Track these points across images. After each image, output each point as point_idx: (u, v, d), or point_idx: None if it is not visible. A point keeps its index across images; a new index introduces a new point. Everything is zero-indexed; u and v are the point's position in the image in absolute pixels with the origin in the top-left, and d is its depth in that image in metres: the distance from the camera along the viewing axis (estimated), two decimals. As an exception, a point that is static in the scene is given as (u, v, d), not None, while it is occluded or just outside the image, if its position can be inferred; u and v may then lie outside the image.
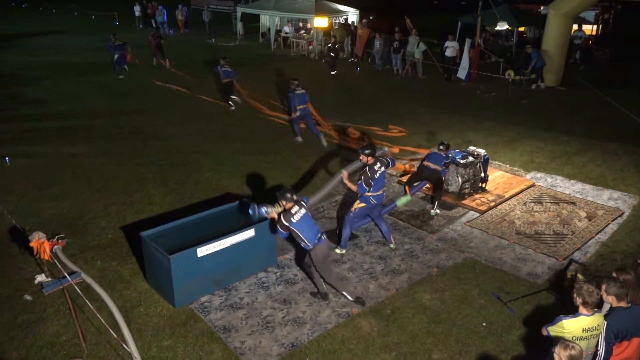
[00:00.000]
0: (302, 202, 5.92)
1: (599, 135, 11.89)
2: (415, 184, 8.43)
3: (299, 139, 11.49)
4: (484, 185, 9.04)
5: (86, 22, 31.76)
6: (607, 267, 6.78)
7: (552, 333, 4.28)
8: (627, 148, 11.12)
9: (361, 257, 7.19)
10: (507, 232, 7.79)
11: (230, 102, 14.02)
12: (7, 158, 10.20)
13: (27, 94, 15.46)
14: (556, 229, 7.88)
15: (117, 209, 8.44)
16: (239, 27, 25.34)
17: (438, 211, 8.35)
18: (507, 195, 8.88)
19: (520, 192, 9.07)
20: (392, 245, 7.35)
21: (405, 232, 7.85)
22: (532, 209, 8.50)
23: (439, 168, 8.10)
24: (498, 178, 9.56)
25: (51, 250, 6.02)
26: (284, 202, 5.79)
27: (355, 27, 21.79)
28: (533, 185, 9.37)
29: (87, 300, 5.46)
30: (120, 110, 13.90)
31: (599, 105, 14.36)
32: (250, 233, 6.41)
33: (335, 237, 7.59)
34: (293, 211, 5.76)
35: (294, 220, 5.74)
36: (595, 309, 4.26)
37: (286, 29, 24.32)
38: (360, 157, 6.90)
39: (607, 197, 8.92)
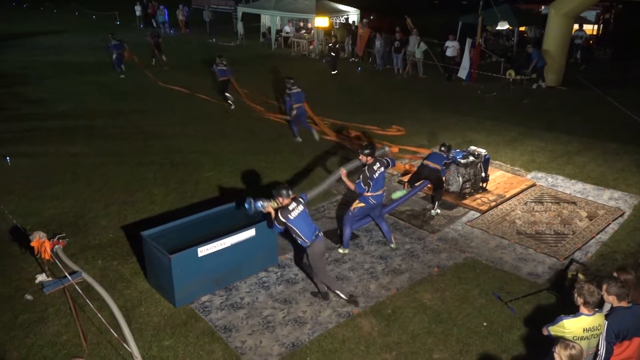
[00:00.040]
0: (300, 199, 5.93)
1: (599, 135, 11.89)
2: (416, 184, 8.43)
3: (299, 139, 11.50)
4: (484, 185, 9.03)
5: (87, 22, 31.79)
6: (608, 267, 6.78)
7: (552, 333, 4.28)
8: (628, 148, 11.11)
9: (362, 256, 7.18)
10: (508, 232, 7.79)
11: (230, 102, 14.04)
12: (7, 158, 10.20)
13: (27, 93, 15.47)
14: (557, 229, 7.87)
15: (118, 208, 8.44)
16: (240, 27, 25.35)
17: (439, 211, 8.34)
18: (507, 195, 8.87)
19: (521, 191, 9.07)
20: (392, 245, 7.35)
21: (406, 231, 7.85)
22: (533, 209, 8.50)
23: (438, 167, 8.10)
24: (499, 178, 9.55)
25: (52, 250, 6.02)
26: (280, 199, 5.81)
27: (356, 27, 21.78)
28: (534, 185, 9.36)
29: (87, 300, 5.46)
30: (121, 110, 13.91)
31: (600, 105, 14.36)
32: (251, 233, 6.41)
33: (336, 237, 7.59)
34: (290, 208, 5.77)
35: (292, 217, 5.75)
36: (596, 309, 4.26)
37: (287, 28, 24.32)
38: (360, 157, 6.89)
39: (608, 197, 8.92)
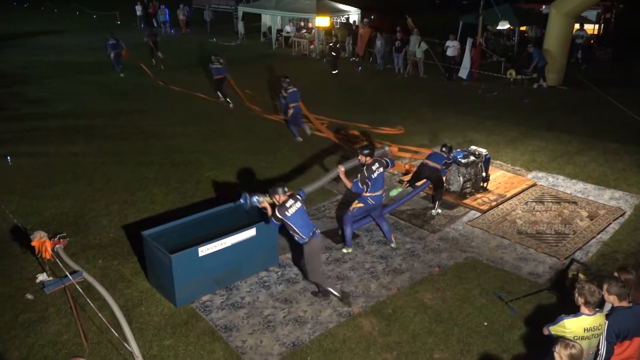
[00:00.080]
0: (298, 196, 5.94)
1: (600, 135, 11.88)
2: (417, 184, 8.43)
3: (299, 139, 11.51)
4: (485, 184, 9.03)
5: (88, 22, 31.76)
6: (608, 266, 6.78)
7: (553, 332, 4.28)
8: (628, 147, 11.10)
9: (362, 256, 7.18)
10: (509, 232, 7.78)
11: (228, 100, 14.05)
12: (8, 157, 10.21)
13: (28, 93, 15.48)
14: (558, 229, 7.87)
15: (119, 208, 8.44)
16: (240, 26, 25.35)
17: (439, 211, 8.34)
18: (508, 195, 8.87)
19: (521, 191, 9.06)
20: (393, 245, 7.35)
21: (407, 231, 7.85)
22: (534, 209, 8.49)
23: (438, 166, 8.09)
24: (499, 177, 9.55)
25: (53, 250, 6.03)
26: (277, 197, 5.81)
27: (357, 27, 21.77)
28: (534, 184, 9.36)
29: (88, 299, 5.47)
30: (121, 109, 13.92)
31: (601, 104, 14.35)
32: (251, 232, 6.41)
33: (336, 236, 7.59)
34: (288, 204, 5.78)
35: (289, 214, 5.75)
36: (597, 309, 4.26)
37: (287, 28, 24.32)
38: (359, 157, 6.88)
39: (608, 197, 8.91)
